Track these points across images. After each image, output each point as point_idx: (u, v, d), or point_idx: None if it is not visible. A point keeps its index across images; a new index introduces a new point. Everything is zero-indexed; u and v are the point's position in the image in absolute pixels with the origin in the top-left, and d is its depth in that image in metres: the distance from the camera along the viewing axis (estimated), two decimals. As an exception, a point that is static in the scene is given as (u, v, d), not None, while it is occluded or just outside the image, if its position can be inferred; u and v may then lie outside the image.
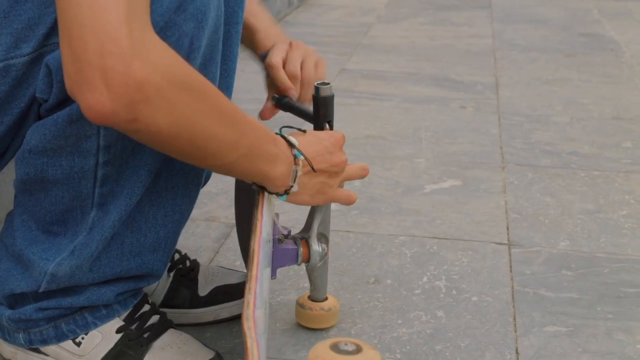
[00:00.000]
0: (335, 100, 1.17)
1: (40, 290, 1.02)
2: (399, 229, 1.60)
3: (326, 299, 1.26)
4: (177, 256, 1.28)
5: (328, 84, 1.15)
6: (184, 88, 0.82)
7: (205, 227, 1.60)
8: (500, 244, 1.55)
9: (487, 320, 1.30)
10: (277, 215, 1.12)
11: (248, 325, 0.81)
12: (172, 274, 1.26)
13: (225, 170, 0.96)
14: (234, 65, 1.22)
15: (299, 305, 1.26)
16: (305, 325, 1.26)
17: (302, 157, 1.03)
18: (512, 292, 1.38)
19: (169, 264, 1.26)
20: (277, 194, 1.04)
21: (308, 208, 1.21)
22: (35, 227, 1.03)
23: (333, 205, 1.69)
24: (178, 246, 1.48)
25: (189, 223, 1.60)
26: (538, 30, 3.56)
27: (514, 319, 1.30)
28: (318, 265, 1.21)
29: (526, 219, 1.66)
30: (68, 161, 0.95)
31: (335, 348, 0.75)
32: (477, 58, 3.04)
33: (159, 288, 1.25)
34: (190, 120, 0.84)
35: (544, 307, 1.34)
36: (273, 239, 1.13)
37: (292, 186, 1.04)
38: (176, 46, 0.88)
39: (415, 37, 3.38)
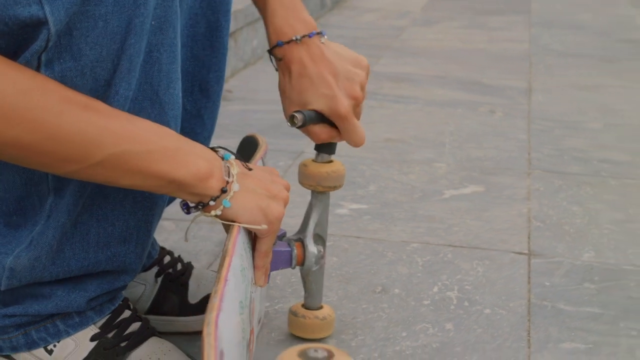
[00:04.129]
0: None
1: (2, 288, 0.95)
2: (412, 236, 1.51)
3: (321, 307, 1.17)
4: (167, 259, 1.20)
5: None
6: None
7: (208, 230, 1.52)
8: (519, 253, 1.45)
9: (499, 334, 1.20)
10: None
11: (208, 331, 0.73)
12: (160, 280, 1.18)
13: (99, 177, 0.83)
14: (224, 58, 1.14)
15: (292, 313, 1.17)
16: (297, 335, 1.17)
17: (231, 157, 0.92)
18: (529, 305, 1.28)
19: (157, 268, 1.18)
20: (212, 199, 0.88)
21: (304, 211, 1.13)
22: None
23: (343, 210, 1.61)
24: (175, 248, 1.41)
25: (191, 225, 1.52)
26: (576, 35, 3.44)
27: (529, 333, 1.20)
28: (313, 268, 1.12)
29: (549, 228, 1.56)
30: None
31: (303, 355, 0.67)
32: (510, 62, 2.93)
33: (145, 294, 1.17)
34: (2, 124, 0.75)
35: (562, 321, 1.24)
36: None
37: (228, 182, 0.89)
38: None
39: (447, 41, 3.28)
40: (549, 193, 1.73)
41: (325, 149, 1.10)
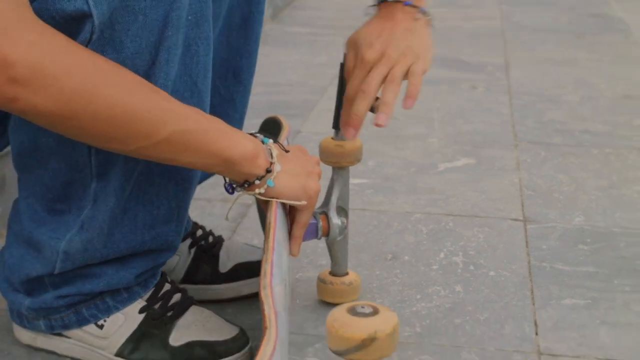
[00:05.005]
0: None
1: (56, 271, 1.03)
2: (415, 207, 1.61)
3: (347, 273, 1.27)
4: (200, 232, 1.28)
5: None
6: (70, 66, 0.80)
7: (222, 207, 1.61)
8: (515, 220, 1.56)
9: (505, 294, 1.31)
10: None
11: (265, 293, 0.82)
12: (193, 251, 1.26)
13: (163, 154, 0.91)
14: (256, 46, 1.22)
15: (320, 280, 1.26)
16: (326, 301, 1.26)
17: (270, 141, 1.01)
18: (529, 266, 1.39)
19: (190, 240, 1.27)
20: (258, 178, 0.97)
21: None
22: (40, 208, 1.02)
23: (348, 184, 1.70)
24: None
25: (204, 203, 1.61)
26: (546, 11, 3.55)
27: (532, 292, 1.31)
28: (338, 238, 1.21)
29: (541, 196, 1.67)
30: None
31: (352, 311, 0.76)
32: (486, 39, 3.03)
33: (179, 264, 1.26)
34: (85, 99, 0.82)
35: (562, 280, 1.35)
36: None
37: (272, 163, 0.98)
38: None
39: (423, 20, 3.37)
40: (536, 163, 1.84)
41: None
